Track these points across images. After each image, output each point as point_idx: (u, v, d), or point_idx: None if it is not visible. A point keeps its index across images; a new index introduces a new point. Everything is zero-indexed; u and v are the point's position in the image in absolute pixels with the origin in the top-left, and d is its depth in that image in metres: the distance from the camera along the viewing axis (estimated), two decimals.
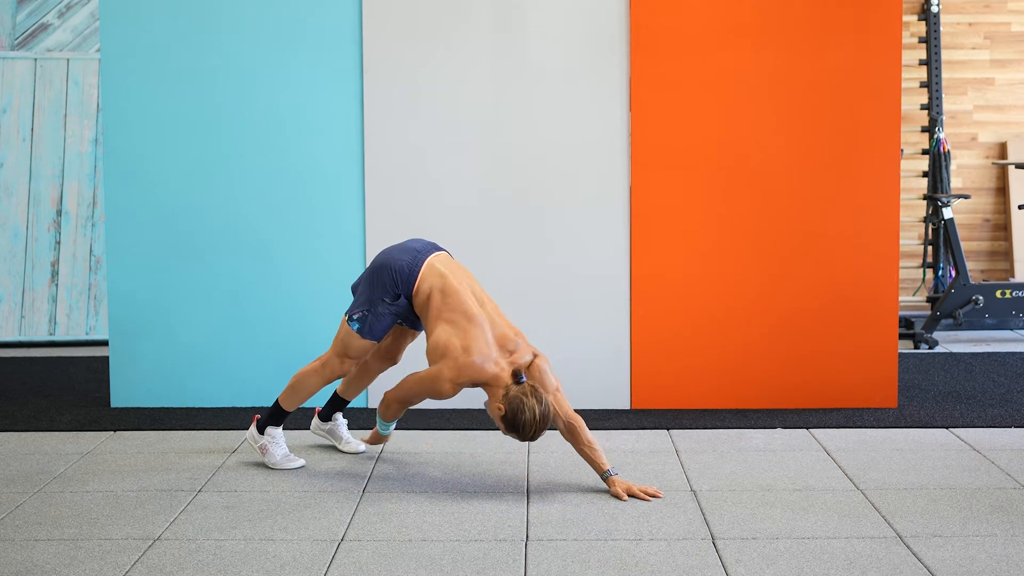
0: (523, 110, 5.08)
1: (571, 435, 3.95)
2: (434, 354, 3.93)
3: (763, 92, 5.03)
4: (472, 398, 5.01)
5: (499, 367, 3.88)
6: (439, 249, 4.16)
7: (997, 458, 4.32)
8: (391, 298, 4.04)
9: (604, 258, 5.10)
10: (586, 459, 3.96)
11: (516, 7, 5.05)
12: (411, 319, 4.17)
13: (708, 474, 4.14)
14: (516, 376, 3.87)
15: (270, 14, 5.07)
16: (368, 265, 4.20)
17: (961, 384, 5.59)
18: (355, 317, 4.07)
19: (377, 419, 4.25)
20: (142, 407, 5.18)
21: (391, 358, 4.37)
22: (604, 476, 3.92)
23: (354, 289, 4.20)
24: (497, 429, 4.75)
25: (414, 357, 4.49)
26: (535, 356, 3.96)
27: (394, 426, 4.30)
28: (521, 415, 3.77)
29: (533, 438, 3.82)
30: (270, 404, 5.06)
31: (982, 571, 3.19)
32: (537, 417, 3.77)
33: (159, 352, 5.17)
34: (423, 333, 4.29)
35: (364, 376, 4.39)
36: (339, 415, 4.49)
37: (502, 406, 3.82)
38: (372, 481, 4.10)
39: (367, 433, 4.66)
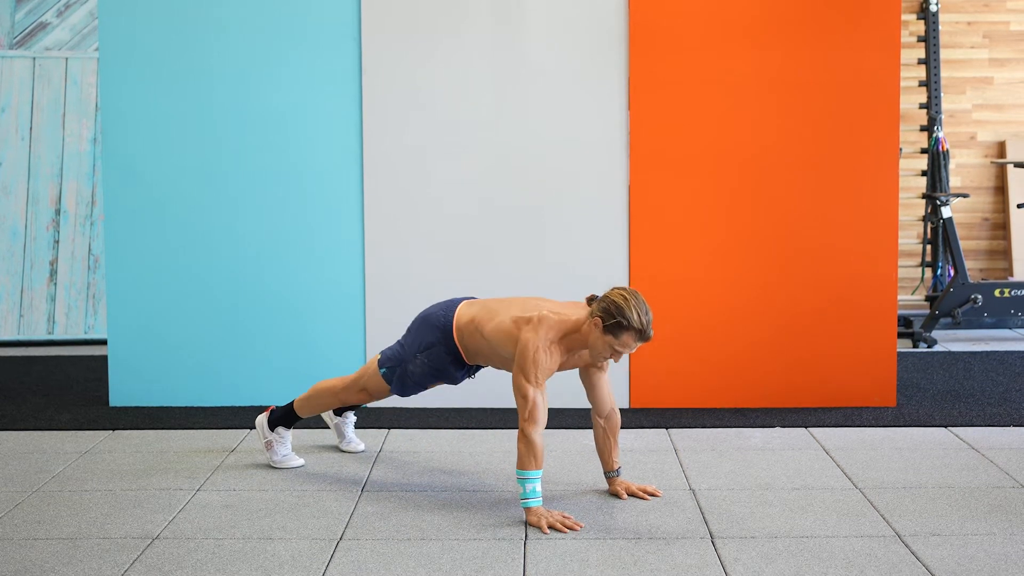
0: (522, 109, 5.08)
1: (608, 423, 3.87)
2: (506, 338, 3.71)
3: (762, 91, 5.03)
4: (473, 397, 5.01)
5: (575, 311, 3.68)
6: (473, 297, 4.08)
7: (996, 457, 4.32)
8: (424, 347, 3.91)
9: (603, 257, 5.10)
10: (604, 451, 3.89)
11: (516, 6, 5.05)
12: (447, 369, 3.94)
13: (707, 473, 4.15)
14: (591, 299, 3.65)
15: (269, 13, 5.06)
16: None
17: (960, 383, 5.59)
18: (386, 367, 4.01)
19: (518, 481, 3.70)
20: (141, 406, 5.17)
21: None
22: (611, 474, 3.90)
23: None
24: (502, 428, 4.75)
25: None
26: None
27: (537, 497, 3.65)
28: (622, 309, 3.49)
29: (649, 327, 3.52)
30: (269, 404, 5.07)
31: (981, 570, 3.19)
32: (641, 303, 3.51)
33: (158, 351, 5.17)
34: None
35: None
36: (351, 413, 4.48)
37: (599, 318, 3.53)
38: (371, 480, 4.10)
39: (368, 432, 4.66)
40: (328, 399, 4.17)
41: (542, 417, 3.61)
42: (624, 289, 3.60)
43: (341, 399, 4.16)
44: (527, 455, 3.59)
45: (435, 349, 3.91)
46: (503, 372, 4.03)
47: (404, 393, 4.04)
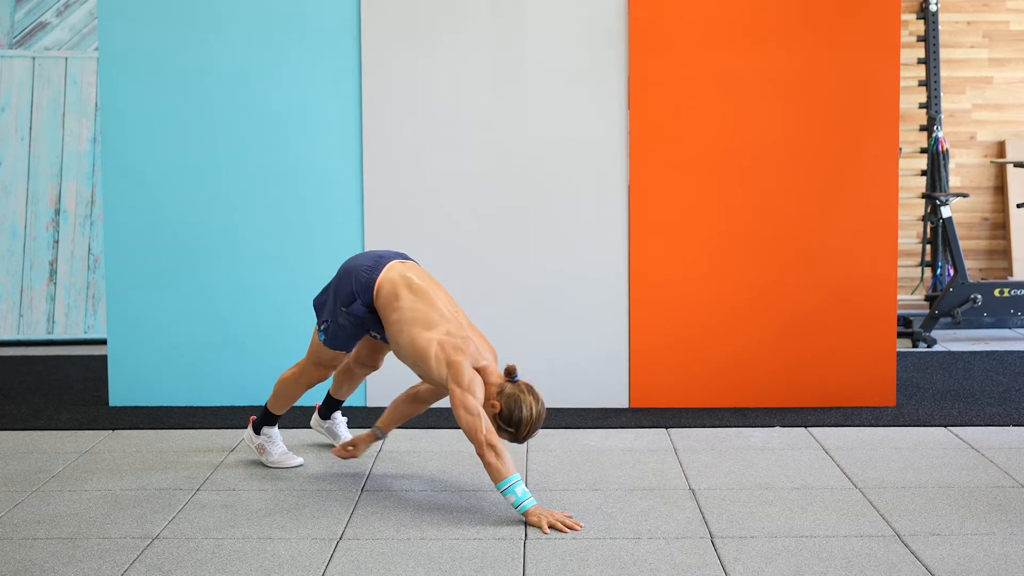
0: (522, 109, 5.08)
1: (424, 399, 4.01)
2: (413, 352, 3.72)
3: (762, 90, 5.03)
4: None
5: (489, 361, 3.73)
6: (407, 258, 4.00)
7: (995, 457, 4.33)
8: (346, 304, 3.89)
9: (603, 257, 5.10)
10: (397, 412, 4.07)
11: (515, 5, 5.05)
12: (376, 327, 3.95)
13: (707, 473, 4.15)
14: (510, 373, 3.71)
15: (268, 12, 5.06)
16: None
17: (959, 383, 5.59)
18: (322, 328, 4.00)
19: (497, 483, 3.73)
20: (140, 406, 5.17)
21: (372, 365, 4.25)
22: (376, 430, 4.08)
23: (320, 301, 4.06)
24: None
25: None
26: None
27: (528, 498, 3.67)
28: (519, 412, 3.61)
29: (528, 437, 3.67)
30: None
31: (980, 569, 3.19)
32: (535, 415, 3.63)
33: (157, 351, 5.17)
34: None
35: (350, 379, 4.33)
36: (337, 414, 4.49)
37: (497, 403, 3.64)
38: (370, 480, 4.10)
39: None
40: (292, 387, 4.16)
41: (489, 423, 3.63)
42: (531, 393, 3.65)
43: (304, 383, 4.14)
44: (500, 464, 3.58)
45: (355, 305, 3.88)
46: None
47: (346, 347, 4.01)
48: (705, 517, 3.65)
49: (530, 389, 3.67)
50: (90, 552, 3.37)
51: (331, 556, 3.34)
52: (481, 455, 3.59)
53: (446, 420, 4.89)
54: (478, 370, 3.70)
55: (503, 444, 3.62)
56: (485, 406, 3.67)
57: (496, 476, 3.59)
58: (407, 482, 4.07)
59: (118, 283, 5.17)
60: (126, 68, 5.10)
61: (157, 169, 5.13)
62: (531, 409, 3.63)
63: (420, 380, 3.99)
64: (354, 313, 3.89)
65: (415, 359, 3.75)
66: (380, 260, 3.92)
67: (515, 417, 3.62)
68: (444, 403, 5.00)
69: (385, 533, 3.53)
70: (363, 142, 5.09)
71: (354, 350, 4.16)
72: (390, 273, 3.86)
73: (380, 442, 4.45)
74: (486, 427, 3.59)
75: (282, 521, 3.64)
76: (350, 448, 4.15)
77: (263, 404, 5.09)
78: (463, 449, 4.48)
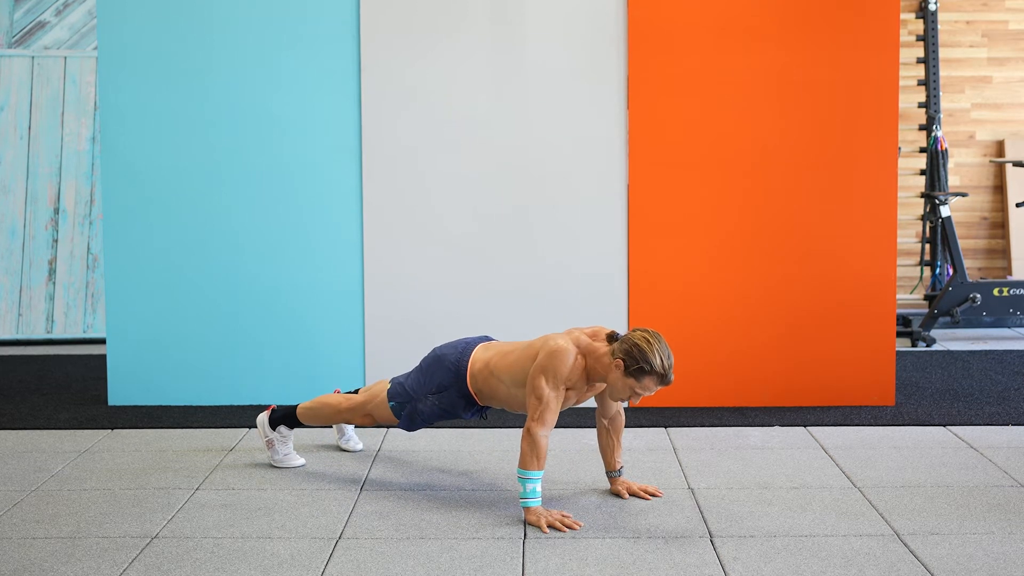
0: (521, 108, 5.08)
1: (613, 424, 3.86)
2: (524, 369, 3.70)
3: (761, 90, 5.03)
4: None
5: (586, 340, 3.66)
6: (490, 339, 4.02)
7: (994, 456, 4.33)
8: (437, 389, 3.89)
9: (602, 257, 5.10)
10: (607, 451, 3.88)
11: (514, 5, 5.05)
12: (457, 412, 3.93)
13: (706, 472, 4.15)
14: (611, 337, 3.63)
15: (268, 12, 5.06)
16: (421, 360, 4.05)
17: (959, 382, 5.59)
18: (395, 401, 3.98)
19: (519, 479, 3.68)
20: (140, 405, 5.17)
21: None
22: (613, 474, 3.90)
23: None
24: (501, 427, 4.75)
25: None
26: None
27: (536, 498, 3.64)
28: (644, 353, 3.47)
29: (670, 371, 3.50)
30: (267, 403, 5.07)
31: (979, 568, 3.19)
32: (664, 346, 3.50)
33: (156, 350, 5.17)
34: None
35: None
36: None
37: (620, 359, 3.51)
38: (370, 479, 4.10)
39: (368, 431, 4.67)
40: (331, 414, 4.16)
41: (551, 420, 3.61)
42: (647, 332, 3.55)
43: (344, 418, 4.15)
44: (530, 455, 3.58)
45: (448, 392, 3.90)
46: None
47: (411, 428, 4.02)
48: (704, 516, 3.66)
49: (642, 330, 3.56)
50: (89, 551, 3.37)
51: (330, 555, 3.34)
52: (522, 436, 3.61)
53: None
54: (583, 352, 3.62)
55: (546, 442, 3.60)
56: (610, 378, 3.58)
57: (522, 462, 3.59)
58: (406, 482, 4.07)
59: (117, 282, 5.17)
60: (125, 67, 5.10)
61: (156, 168, 5.12)
62: (651, 343, 3.50)
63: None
64: (445, 399, 3.89)
65: (520, 374, 3.71)
66: (467, 346, 3.93)
67: (648, 356, 3.48)
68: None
69: (384, 533, 3.53)
70: (362, 142, 5.09)
71: None
72: (478, 352, 3.88)
73: (380, 442, 4.45)
74: (539, 415, 3.58)
75: (281, 520, 3.64)
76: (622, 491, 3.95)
77: (262, 403, 5.10)
78: (462, 448, 4.48)
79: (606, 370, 3.59)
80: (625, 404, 3.74)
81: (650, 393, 3.56)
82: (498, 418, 4.89)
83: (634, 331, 3.58)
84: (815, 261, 5.07)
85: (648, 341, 3.52)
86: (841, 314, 5.09)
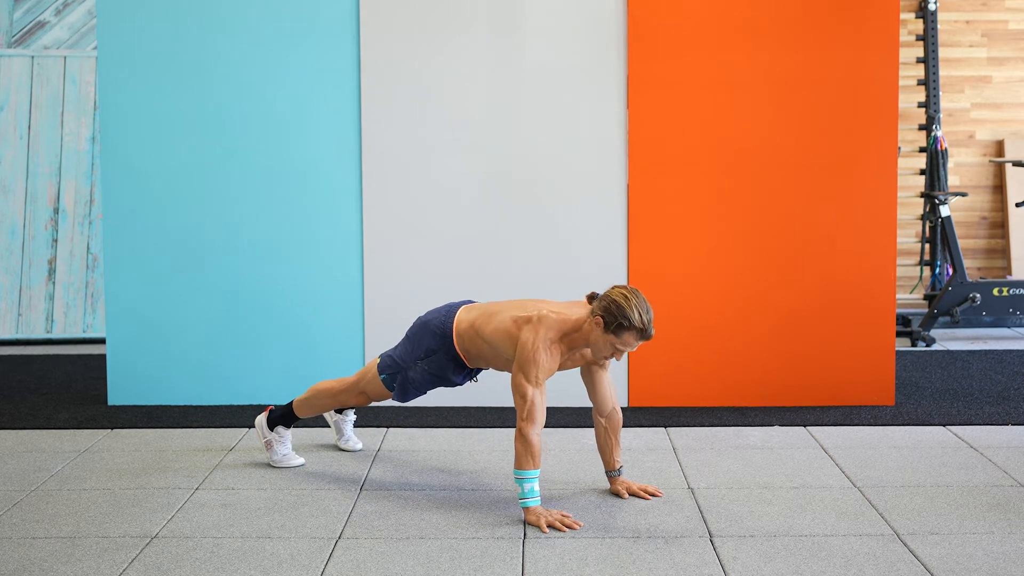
0: (521, 108, 5.07)
1: (610, 422, 3.87)
2: (507, 341, 3.72)
3: (761, 90, 5.03)
4: (471, 397, 5.01)
5: (574, 309, 3.68)
6: (472, 301, 4.05)
7: (994, 456, 4.33)
8: (424, 353, 3.92)
9: (602, 256, 5.10)
10: (605, 450, 3.89)
11: (514, 4, 5.05)
12: (447, 373, 3.95)
13: (706, 472, 4.15)
14: (591, 297, 3.66)
15: (267, 11, 5.06)
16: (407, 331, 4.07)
17: (958, 382, 5.59)
18: (386, 373, 4.00)
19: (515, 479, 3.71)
20: (139, 405, 5.17)
21: None
22: (613, 474, 3.90)
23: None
24: (500, 426, 4.75)
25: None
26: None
27: (535, 497, 3.65)
28: (623, 308, 3.50)
29: (649, 325, 3.53)
30: (267, 403, 5.07)
31: (979, 568, 3.19)
32: (642, 302, 3.52)
33: (156, 350, 5.17)
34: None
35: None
36: (351, 411, 4.49)
37: (600, 317, 3.54)
38: (369, 479, 4.10)
39: (366, 431, 4.67)
40: (326, 400, 4.17)
41: (540, 417, 3.61)
42: (625, 288, 3.59)
43: (340, 401, 4.16)
44: (524, 455, 3.59)
45: (436, 356, 3.92)
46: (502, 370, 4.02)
47: (404, 399, 4.04)
48: (704, 516, 3.66)
49: (614, 288, 3.59)
50: (89, 551, 3.37)
51: (330, 555, 3.34)
52: (515, 438, 3.62)
53: (445, 419, 4.89)
54: (571, 331, 3.64)
55: (538, 439, 3.61)
56: (592, 337, 3.60)
57: (517, 463, 3.61)
58: (406, 481, 4.07)
59: (117, 282, 5.16)
60: (125, 67, 5.10)
61: (156, 168, 5.12)
62: (630, 299, 3.53)
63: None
64: (434, 363, 3.91)
65: (502, 346, 3.73)
66: (451, 308, 3.96)
67: (625, 312, 3.51)
68: (443, 403, 5.01)
69: (384, 532, 3.53)
70: (362, 141, 5.09)
71: None
72: (463, 313, 3.90)
73: (380, 442, 4.45)
74: (527, 414, 3.60)
75: (281, 520, 3.64)
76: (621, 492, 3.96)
77: (261, 403, 5.10)
78: (462, 448, 4.49)
79: (587, 333, 3.62)
80: (614, 361, 3.76)
81: (632, 348, 3.59)
82: (498, 418, 4.89)
83: (613, 288, 3.61)
84: (815, 260, 5.07)
85: (626, 297, 3.54)
86: (841, 314, 5.09)
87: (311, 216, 5.12)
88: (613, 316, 3.53)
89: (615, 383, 5.09)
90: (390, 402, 5.00)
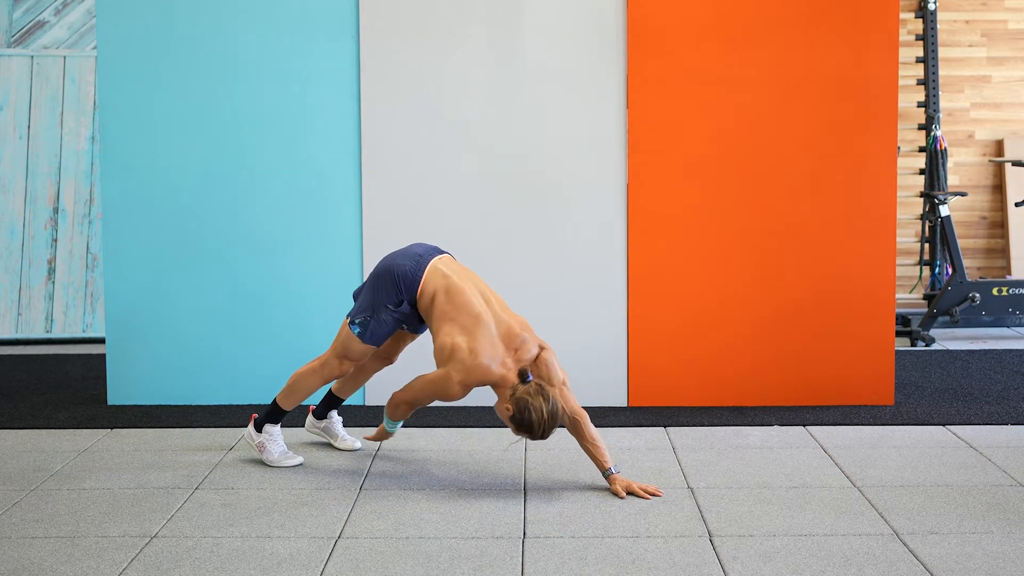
0: (520, 106, 5.07)
1: (575, 430, 3.94)
2: (441, 356, 3.90)
3: (760, 89, 5.03)
4: (471, 396, 5.00)
5: (506, 367, 3.87)
6: (442, 252, 4.13)
7: (994, 455, 4.33)
8: (394, 304, 4.01)
9: (601, 255, 5.10)
10: (589, 455, 3.95)
11: (514, 4, 5.05)
12: (413, 323, 4.12)
13: (705, 471, 4.15)
14: (523, 376, 3.82)
15: (267, 12, 5.06)
16: (372, 271, 4.16)
17: (958, 381, 5.60)
18: (357, 321, 4.05)
19: (384, 417, 4.20)
20: (139, 404, 5.17)
21: (388, 358, 4.36)
22: (605, 474, 3.91)
23: (356, 295, 4.17)
24: (499, 426, 4.75)
25: (411, 357, 4.50)
26: (541, 349, 3.94)
27: (400, 425, 4.24)
28: (529, 415, 3.74)
29: (544, 436, 3.79)
30: (267, 402, 5.07)
31: (978, 568, 3.19)
32: (545, 416, 3.74)
33: (156, 349, 5.17)
34: (421, 335, 4.30)
35: (360, 375, 4.39)
36: (334, 413, 4.49)
37: (510, 406, 3.79)
38: (369, 478, 4.10)
39: (366, 431, 4.67)
40: (310, 380, 4.19)
41: (413, 399, 4.02)
42: (541, 394, 3.76)
43: (323, 376, 4.17)
44: (399, 405, 4.06)
45: (404, 306, 4.02)
46: None
47: (376, 342, 4.09)
48: (703, 516, 3.66)
49: (540, 390, 3.77)
50: (88, 551, 3.37)
51: (329, 555, 3.34)
52: (391, 397, 4.07)
53: (444, 419, 4.89)
54: (494, 384, 3.89)
55: (408, 401, 4.02)
56: (500, 409, 3.85)
57: (390, 413, 4.10)
58: (405, 481, 4.07)
59: (116, 282, 5.16)
60: (124, 67, 5.10)
61: (155, 168, 5.12)
62: (540, 411, 3.74)
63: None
64: (401, 311, 4.03)
65: (441, 361, 3.93)
66: (420, 260, 4.04)
67: (526, 419, 3.76)
68: (441, 402, 5.01)
69: (383, 532, 3.53)
70: (361, 141, 5.09)
71: None
72: (431, 274, 4.00)
73: (383, 440, 4.45)
74: (403, 389, 4.04)
75: (280, 520, 3.64)
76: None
77: (261, 403, 5.10)
78: (461, 447, 4.48)
79: (499, 400, 3.89)
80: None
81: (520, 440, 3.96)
82: (496, 417, 4.89)
83: (534, 388, 3.77)
84: (815, 260, 5.07)
85: (541, 411, 3.74)
86: (840, 313, 5.09)
87: (311, 215, 5.12)
88: (520, 417, 3.77)
89: (614, 381, 5.11)
90: (386, 397, 5.00)
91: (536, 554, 3.33)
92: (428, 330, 4.10)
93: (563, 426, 3.93)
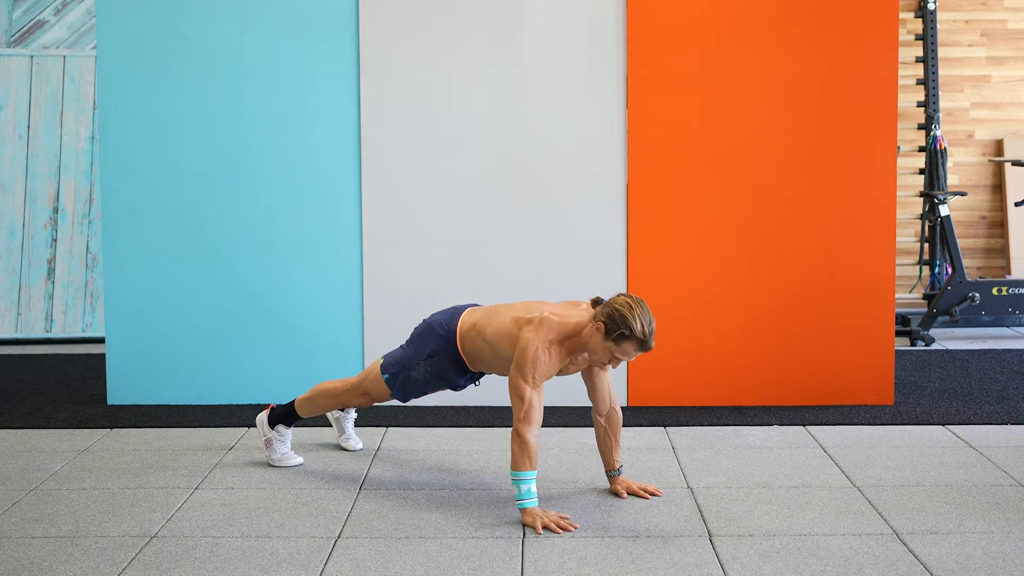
0: (520, 108, 5.07)
1: (609, 422, 3.86)
2: (509, 339, 3.69)
3: (760, 89, 5.03)
4: (472, 397, 5.01)
5: (576, 315, 3.66)
6: (476, 304, 4.06)
7: (993, 455, 4.33)
8: (429, 352, 3.91)
9: (601, 255, 5.10)
10: (605, 450, 3.89)
11: (514, 5, 5.05)
12: (451, 376, 3.95)
13: (705, 471, 4.15)
14: (596, 302, 3.65)
15: (267, 11, 5.06)
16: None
17: (957, 381, 5.60)
18: (389, 371, 4.00)
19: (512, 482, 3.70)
20: (139, 404, 5.17)
21: None
22: (611, 473, 3.90)
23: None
24: (499, 426, 4.75)
25: None
26: None
27: (532, 498, 3.63)
28: (625, 318, 3.49)
29: (649, 336, 3.51)
30: (266, 402, 5.07)
31: (978, 568, 3.19)
32: (647, 312, 3.52)
33: (156, 349, 5.17)
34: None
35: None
36: (352, 409, 4.49)
37: (602, 323, 3.53)
38: (369, 478, 4.10)
39: (373, 431, 4.67)
40: (328, 400, 4.18)
41: (537, 418, 3.61)
42: (630, 297, 3.58)
43: (342, 401, 4.16)
44: (521, 456, 3.58)
45: (439, 357, 3.91)
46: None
47: (405, 399, 4.05)
48: (703, 515, 3.66)
49: (619, 296, 3.58)
50: (88, 551, 3.37)
51: (329, 554, 3.34)
52: (512, 439, 3.60)
53: (444, 419, 4.89)
54: (573, 334, 3.63)
55: (535, 440, 3.60)
56: (592, 343, 3.59)
57: (514, 464, 3.59)
58: (405, 481, 4.07)
59: (116, 281, 5.16)
60: (124, 66, 5.09)
61: (155, 168, 5.12)
62: (631, 309, 3.52)
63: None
64: (436, 364, 3.90)
65: (502, 347, 3.72)
66: (456, 307, 3.98)
67: (628, 321, 3.51)
68: (443, 402, 5.01)
69: (383, 532, 3.53)
70: (362, 142, 5.09)
71: None
72: (468, 314, 3.91)
73: (379, 441, 4.45)
74: (524, 415, 3.58)
75: (280, 520, 3.64)
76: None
77: (261, 402, 5.10)
78: (461, 447, 4.49)
79: (587, 338, 3.61)
80: (612, 369, 3.78)
81: (630, 358, 3.59)
82: (498, 418, 4.89)
83: (618, 296, 3.61)
84: (814, 260, 5.07)
85: (630, 306, 3.54)
86: (840, 313, 5.09)
87: (310, 215, 5.12)
88: (615, 324, 3.53)
89: (614, 381, 5.10)
90: (391, 402, 5.00)
91: (536, 554, 3.33)
92: (479, 377, 4.00)
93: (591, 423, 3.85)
